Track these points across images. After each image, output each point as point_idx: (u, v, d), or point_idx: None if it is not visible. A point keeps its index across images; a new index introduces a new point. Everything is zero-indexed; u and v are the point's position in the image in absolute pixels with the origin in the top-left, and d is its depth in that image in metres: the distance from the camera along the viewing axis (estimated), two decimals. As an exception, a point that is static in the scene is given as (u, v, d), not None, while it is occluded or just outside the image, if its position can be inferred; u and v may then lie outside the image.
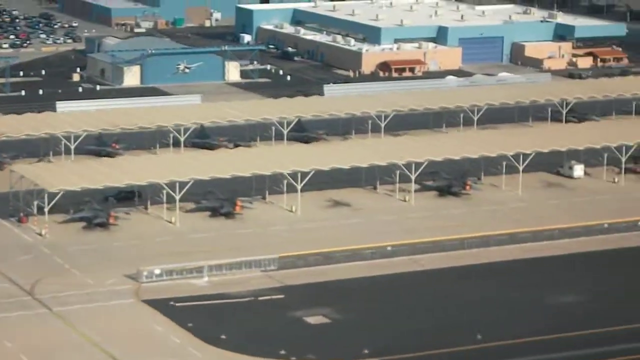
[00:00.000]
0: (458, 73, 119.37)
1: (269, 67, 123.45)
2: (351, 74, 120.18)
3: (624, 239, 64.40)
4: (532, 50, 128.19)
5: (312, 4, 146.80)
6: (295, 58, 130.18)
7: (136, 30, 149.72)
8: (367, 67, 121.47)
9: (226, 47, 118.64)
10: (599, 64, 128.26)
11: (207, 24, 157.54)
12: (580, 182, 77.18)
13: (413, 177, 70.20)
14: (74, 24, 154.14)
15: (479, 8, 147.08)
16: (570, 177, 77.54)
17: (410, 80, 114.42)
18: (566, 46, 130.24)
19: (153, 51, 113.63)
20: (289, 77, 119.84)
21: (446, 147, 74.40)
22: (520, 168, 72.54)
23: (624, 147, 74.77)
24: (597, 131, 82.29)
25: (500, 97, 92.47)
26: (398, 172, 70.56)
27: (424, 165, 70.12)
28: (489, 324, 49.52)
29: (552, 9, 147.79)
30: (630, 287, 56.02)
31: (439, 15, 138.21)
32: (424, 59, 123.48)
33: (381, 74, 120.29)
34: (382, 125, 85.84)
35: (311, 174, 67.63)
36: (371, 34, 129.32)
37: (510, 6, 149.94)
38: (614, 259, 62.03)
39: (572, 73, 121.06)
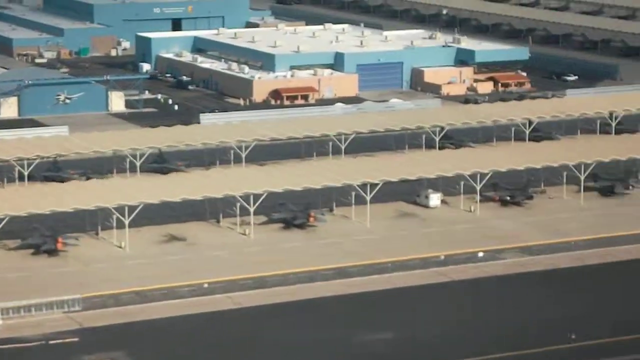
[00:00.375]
0: (354, 100, 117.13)
1: (159, 96, 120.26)
2: (242, 102, 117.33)
3: (458, 271, 61.73)
4: (431, 75, 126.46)
5: (214, 31, 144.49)
6: (190, 87, 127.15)
7: (38, 60, 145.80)
8: (259, 95, 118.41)
9: (108, 77, 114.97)
10: (500, 88, 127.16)
11: (113, 53, 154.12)
12: (436, 211, 74.40)
13: (252, 209, 67.16)
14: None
15: (386, 33, 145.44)
16: (427, 206, 74.78)
17: (300, 108, 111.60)
18: (467, 71, 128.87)
19: (30, 82, 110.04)
20: (176, 107, 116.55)
21: (291, 178, 71.38)
22: (368, 198, 69.59)
23: (478, 175, 72.38)
24: (464, 158, 79.70)
25: (378, 124, 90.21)
26: (238, 204, 67.66)
27: (263, 197, 67.19)
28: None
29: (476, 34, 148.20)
30: (448, 323, 53.19)
31: (339, 41, 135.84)
32: (318, 86, 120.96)
33: (273, 102, 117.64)
34: (243, 155, 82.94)
35: (139, 207, 64.42)
36: (267, 61, 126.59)
37: (418, 31, 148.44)
38: (446, 291, 59.35)
39: (468, 98, 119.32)
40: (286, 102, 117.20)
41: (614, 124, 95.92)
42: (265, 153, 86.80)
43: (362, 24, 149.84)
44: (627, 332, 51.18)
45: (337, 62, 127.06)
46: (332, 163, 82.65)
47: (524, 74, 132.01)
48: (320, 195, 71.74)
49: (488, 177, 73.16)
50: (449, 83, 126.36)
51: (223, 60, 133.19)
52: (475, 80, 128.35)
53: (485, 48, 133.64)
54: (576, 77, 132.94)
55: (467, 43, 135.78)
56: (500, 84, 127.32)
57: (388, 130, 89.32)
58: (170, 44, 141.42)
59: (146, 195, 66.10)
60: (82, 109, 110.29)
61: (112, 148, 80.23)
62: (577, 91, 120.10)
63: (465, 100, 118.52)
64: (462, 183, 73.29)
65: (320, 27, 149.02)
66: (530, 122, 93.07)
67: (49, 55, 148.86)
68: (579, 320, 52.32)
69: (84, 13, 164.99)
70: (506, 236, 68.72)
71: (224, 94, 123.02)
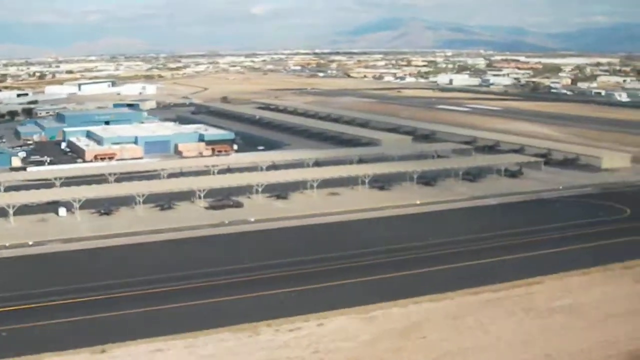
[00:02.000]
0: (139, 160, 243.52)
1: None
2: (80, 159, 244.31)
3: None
4: (183, 148, 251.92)
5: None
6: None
7: None
8: (89, 156, 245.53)
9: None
10: (216, 152, 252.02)
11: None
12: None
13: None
14: None
15: (169, 125, 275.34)
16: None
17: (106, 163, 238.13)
18: (202, 144, 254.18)
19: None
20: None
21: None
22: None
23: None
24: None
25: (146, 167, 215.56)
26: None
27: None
28: None
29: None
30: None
31: (148, 129, 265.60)
32: (120, 152, 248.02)
33: (93, 160, 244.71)
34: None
35: None
36: (99, 140, 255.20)
37: (194, 125, 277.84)
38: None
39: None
40: (100, 160, 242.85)
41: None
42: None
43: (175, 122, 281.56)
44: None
45: (136, 141, 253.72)
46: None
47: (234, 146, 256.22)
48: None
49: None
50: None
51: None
52: (207, 149, 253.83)
53: (211, 132, 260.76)
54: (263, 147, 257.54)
55: (208, 130, 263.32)
56: (216, 150, 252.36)
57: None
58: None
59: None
60: None
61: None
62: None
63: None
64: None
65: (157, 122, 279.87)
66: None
67: None
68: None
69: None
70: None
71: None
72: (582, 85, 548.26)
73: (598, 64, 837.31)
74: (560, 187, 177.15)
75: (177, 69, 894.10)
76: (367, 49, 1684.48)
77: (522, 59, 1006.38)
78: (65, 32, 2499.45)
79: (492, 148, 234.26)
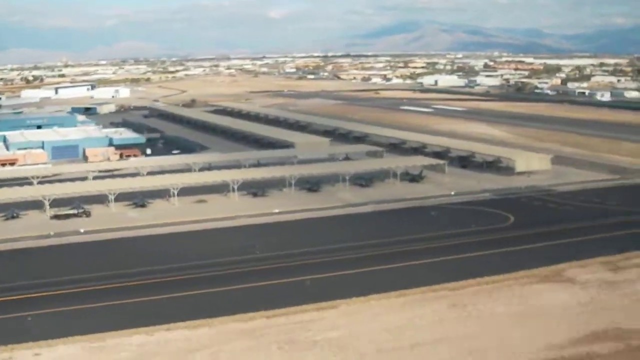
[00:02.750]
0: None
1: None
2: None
3: None
4: (89, 153, 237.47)
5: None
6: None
7: None
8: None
9: None
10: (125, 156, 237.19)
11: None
12: None
13: None
14: None
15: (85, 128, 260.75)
16: None
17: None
18: (111, 149, 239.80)
19: None
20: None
21: None
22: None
23: None
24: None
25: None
26: None
27: None
28: None
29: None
30: None
31: (58, 134, 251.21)
32: (24, 158, 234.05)
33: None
34: None
35: None
36: (6, 144, 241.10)
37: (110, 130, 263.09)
38: None
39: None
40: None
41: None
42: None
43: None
44: None
45: (43, 146, 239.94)
46: None
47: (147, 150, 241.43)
48: None
49: None
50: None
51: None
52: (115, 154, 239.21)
53: (122, 136, 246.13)
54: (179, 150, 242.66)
55: (120, 134, 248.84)
56: (124, 154, 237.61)
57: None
58: None
59: None
60: None
61: None
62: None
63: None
64: None
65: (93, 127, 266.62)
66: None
67: None
68: None
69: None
70: None
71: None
72: (572, 85, 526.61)
73: (602, 65, 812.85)
74: (452, 193, 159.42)
75: (175, 72, 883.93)
76: (382, 52, 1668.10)
77: (532, 60, 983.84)
78: (82, 36, 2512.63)
79: (417, 150, 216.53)
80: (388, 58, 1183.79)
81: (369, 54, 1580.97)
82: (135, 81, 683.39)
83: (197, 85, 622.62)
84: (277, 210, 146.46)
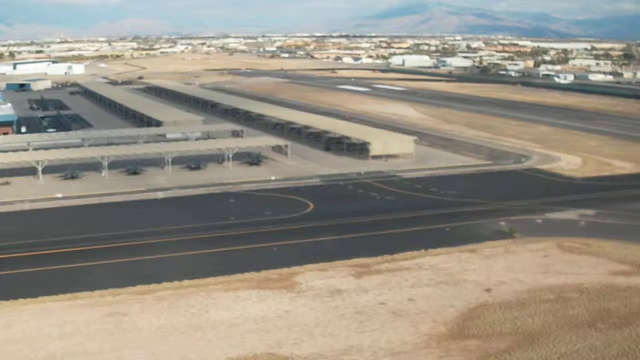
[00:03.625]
0: None
1: None
2: None
3: None
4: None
5: None
6: None
7: None
8: None
9: None
10: None
11: None
12: None
13: None
14: None
15: None
16: None
17: None
18: None
19: None
20: None
21: None
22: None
23: None
24: None
25: None
26: None
27: None
28: None
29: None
30: None
31: None
32: None
33: None
34: None
35: None
36: None
37: None
38: None
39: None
40: None
41: None
42: None
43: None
44: None
45: None
46: None
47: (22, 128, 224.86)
48: None
49: None
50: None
51: None
52: None
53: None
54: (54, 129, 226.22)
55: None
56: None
57: None
58: None
59: None
60: None
61: None
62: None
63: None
64: None
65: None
66: None
67: None
68: None
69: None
70: None
71: None
72: (544, 68, 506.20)
73: (593, 49, 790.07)
74: (273, 178, 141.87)
75: (157, 49, 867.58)
76: (389, 33, 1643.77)
77: (529, 43, 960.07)
78: (89, 12, 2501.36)
79: (299, 132, 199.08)
80: (387, 39, 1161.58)
81: (373, 34, 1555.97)
82: (106, 57, 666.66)
83: (163, 62, 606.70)
84: (59, 195, 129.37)
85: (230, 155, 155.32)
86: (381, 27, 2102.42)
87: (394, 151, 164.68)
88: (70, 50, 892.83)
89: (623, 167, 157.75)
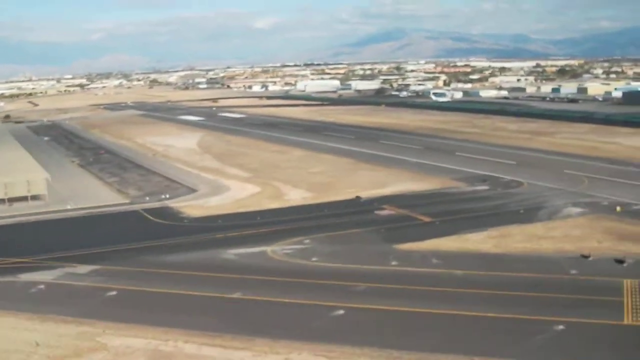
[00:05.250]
0: None
1: None
2: None
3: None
4: None
5: None
6: None
7: None
8: None
9: None
10: None
11: None
12: None
13: None
14: None
15: None
16: None
17: None
18: None
19: None
20: None
21: None
22: None
23: None
24: None
25: None
26: None
27: None
28: None
29: None
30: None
31: None
32: None
33: None
34: None
35: None
36: None
37: None
38: None
39: None
40: None
41: None
42: None
43: None
44: None
45: None
46: None
47: None
48: None
49: None
50: None
51: None
52: None
53: None
54: None
55: None
56: None
57: None
58: None
59: None
60: None
61: None
62: None
63: None
64: None
65: None
66: None
67: None
68: None
69: None
70: None
71: None
72: (455, 85, 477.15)
73: (537, 66, 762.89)
74: None
75: (85, 85, 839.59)
76: (366, 60, 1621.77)
77: (486, 64, 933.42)
78: (68, 50, 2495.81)
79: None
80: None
81: (347, 62, 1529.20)
82: (13, 97, 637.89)
83: (65, 99, 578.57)
84: None
85: None
86: (359, 55, 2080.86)
87: (20, 193, 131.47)
88: (9, 88, 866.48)
89: (291, 199, 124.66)
